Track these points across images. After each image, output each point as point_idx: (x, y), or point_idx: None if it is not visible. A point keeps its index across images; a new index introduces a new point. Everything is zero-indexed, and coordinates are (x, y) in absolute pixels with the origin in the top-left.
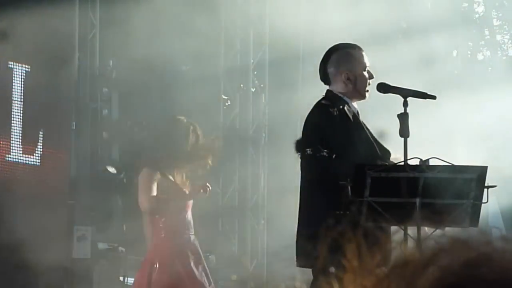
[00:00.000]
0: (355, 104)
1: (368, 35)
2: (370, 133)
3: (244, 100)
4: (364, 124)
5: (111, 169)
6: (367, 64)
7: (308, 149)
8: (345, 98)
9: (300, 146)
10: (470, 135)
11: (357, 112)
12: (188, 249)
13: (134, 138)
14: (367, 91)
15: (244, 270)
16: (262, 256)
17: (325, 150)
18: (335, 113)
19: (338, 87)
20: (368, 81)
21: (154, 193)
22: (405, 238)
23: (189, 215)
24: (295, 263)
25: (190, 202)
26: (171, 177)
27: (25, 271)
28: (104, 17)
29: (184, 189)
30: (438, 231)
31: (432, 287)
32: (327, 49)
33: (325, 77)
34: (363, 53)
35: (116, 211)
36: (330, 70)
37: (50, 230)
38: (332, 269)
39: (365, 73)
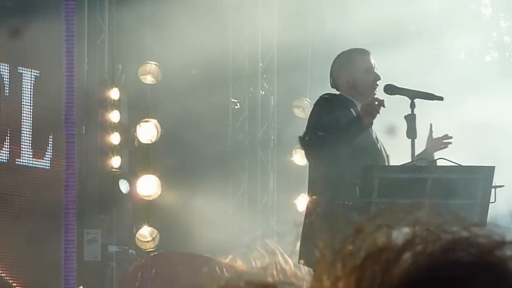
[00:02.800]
0: None
1: (376, 37)
2: (377, 139)
3: (253, 103)
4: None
5: (123, 186)
6: (371, 66)
7: (306, 137)
8: (353, 100)
9: (300, 138)
10: (478, 136)
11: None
12: None
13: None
14: (375, 92)
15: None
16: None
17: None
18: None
19: (344, 91)
20: (374, 82)
21: None
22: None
23: None
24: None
25: None
26: None
27: (36, 273)
28: (113, 21)
29: None
30: None
31: (407, 272)
32: (334, 51)
33: (332, 82)
34: (366, 56)
35: (126, 214)
36: (334, 75)
37: (60, 233)
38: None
39: (367, 75)
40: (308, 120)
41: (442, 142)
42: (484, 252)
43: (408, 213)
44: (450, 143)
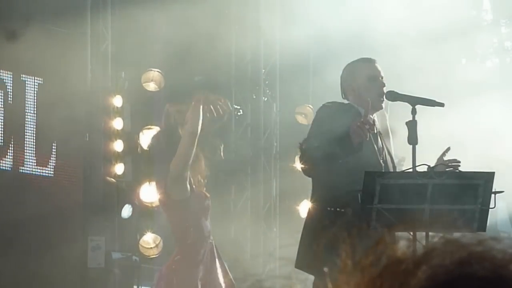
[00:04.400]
0: (375, 116)
1: (378, 43)
2: (383, 149)
3: (256, 110)
4: (381, 138)
5: (126, 211)
6: (376, 74)
7: (303, 145)
8: (360, 109)
9: (299, 146)
10: (480, 141)
11: (373, 122)
12: (215, 257)
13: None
14: (381, 100)
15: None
16: (274, 262)
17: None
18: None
19: (351, 100)
20: (379, 90)
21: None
22: (414, 244)
23: (209, 220)
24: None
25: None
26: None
27: (40, 281)
28: (116, 28)
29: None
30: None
31: (424, 285)
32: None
33: (341, 92)
34: (371, 64)
35: (129, 220)
36: (342, 84)
37: (64, 241)
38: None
39: (371, 83)
40: (310, 128)
41: (451, 165)
42: (499, 266)
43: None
44: (459, 166)
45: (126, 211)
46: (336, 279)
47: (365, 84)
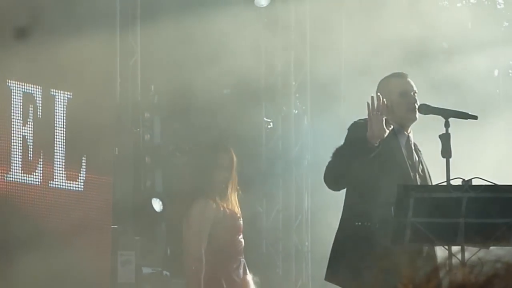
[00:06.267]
0: (408, 131)
1: (409, 55)
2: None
3: (286, 123)
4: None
5: (157, 205)
6: (407, 89)
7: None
8: (393, 124)
9: None
10: None
11: (407, 138)
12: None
13: (176, 163)
14: (412, 115)
15: None
16: (307, 278)
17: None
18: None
19: (386, 115)
20: (410, 106)
21: (207, 230)
22: (449, 259)
23: (241, 237)
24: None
25: (242, 224)
26: (224, 204)
27: None
28: (145, 42)
29: (237, 212)
30: (482, 251)
31: None
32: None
33: None
34: (402, 79)
35: (160, 235)
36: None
37: (94, 255)
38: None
39: (402, 99)
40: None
41: None
42: None
43: (489, 252)
44: None
45: (157, 204)
46: None
47: (396, 100)
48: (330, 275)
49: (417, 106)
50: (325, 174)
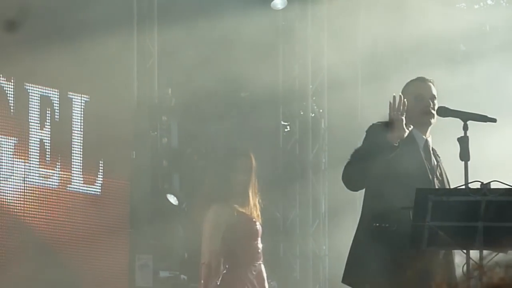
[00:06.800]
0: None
1: (427, 57)
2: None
3: (304, 126)
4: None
5: (172, 199)
6: (423, 93)
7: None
8: (410, 127)
9: None
10: None
11: (425, 141)
12: (254, 281)
13: (194, 166)
14: (426, 118)
15: None
16: (324, 282)
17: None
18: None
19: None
20: (425, 109)
21: (219, 235)
22: (467, 262)
23: (259, 242)
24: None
25: (259, 229)
26: (241, 209)
27: None
28: (162, 45)
29: (254, 217)
30: (501, 255)
31: None
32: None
33: None
34: (420, 83)
35: (177, 239)
36: None
37: (111, 259)
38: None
39: (418, 102)
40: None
41: None
42: None
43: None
44: None
45: (173, 199)
46: None
47: (411, 103)
48: (348, 277)
49: (433, 111)
50: (343, 174)
